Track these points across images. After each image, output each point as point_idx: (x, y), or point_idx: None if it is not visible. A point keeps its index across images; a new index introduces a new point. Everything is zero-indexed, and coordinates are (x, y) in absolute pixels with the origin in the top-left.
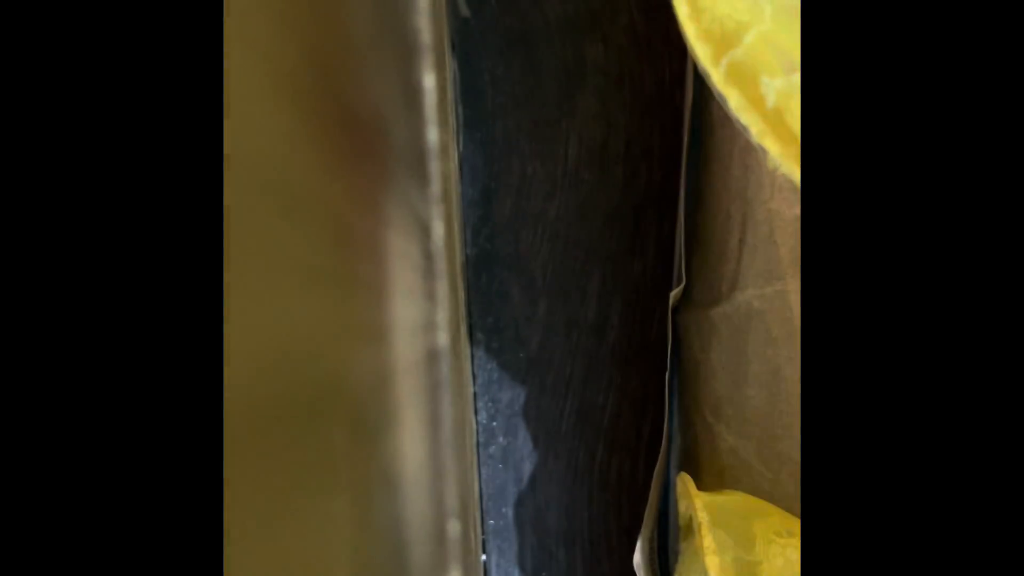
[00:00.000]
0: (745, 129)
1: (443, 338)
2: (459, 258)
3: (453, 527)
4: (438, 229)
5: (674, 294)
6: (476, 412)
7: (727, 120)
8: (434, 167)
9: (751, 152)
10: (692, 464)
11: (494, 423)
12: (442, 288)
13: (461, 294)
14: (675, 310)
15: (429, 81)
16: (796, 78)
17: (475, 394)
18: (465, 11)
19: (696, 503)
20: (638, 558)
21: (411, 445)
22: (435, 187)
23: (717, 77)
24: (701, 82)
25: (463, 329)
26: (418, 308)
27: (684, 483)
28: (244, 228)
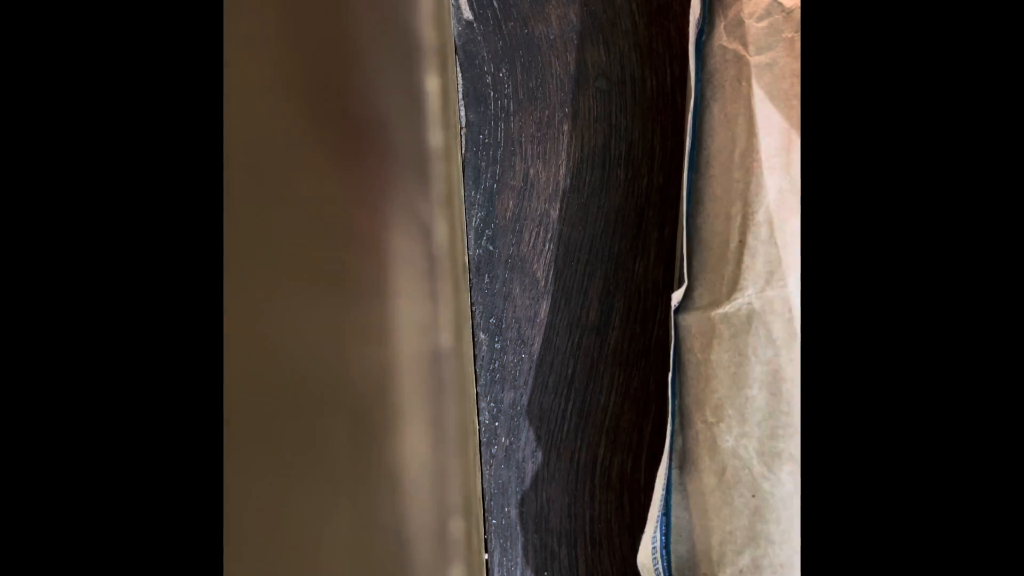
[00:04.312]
0: None
1: (446, 339)
2: (461, 259)
3: (456, 526)
4: (441, 230)
5: (675, 295)
6: (479, 412)
7: (728, 123)
8: (437, 169)
9: (751, 154)
10: (693, 464)
11: (496, 423)
12: (444, 289)
13: (463, 295)
14: (676, 311)
15: (432, 84)
16: None
17: (477, 394)
18: (468, 14)
19: None
20: (641, 557)
21: (414, 445)
22: (438, 189)
23: None
24: (702, 85)
25: (465, 330)
26: (421, 309)
27: None
28: (245, 230)
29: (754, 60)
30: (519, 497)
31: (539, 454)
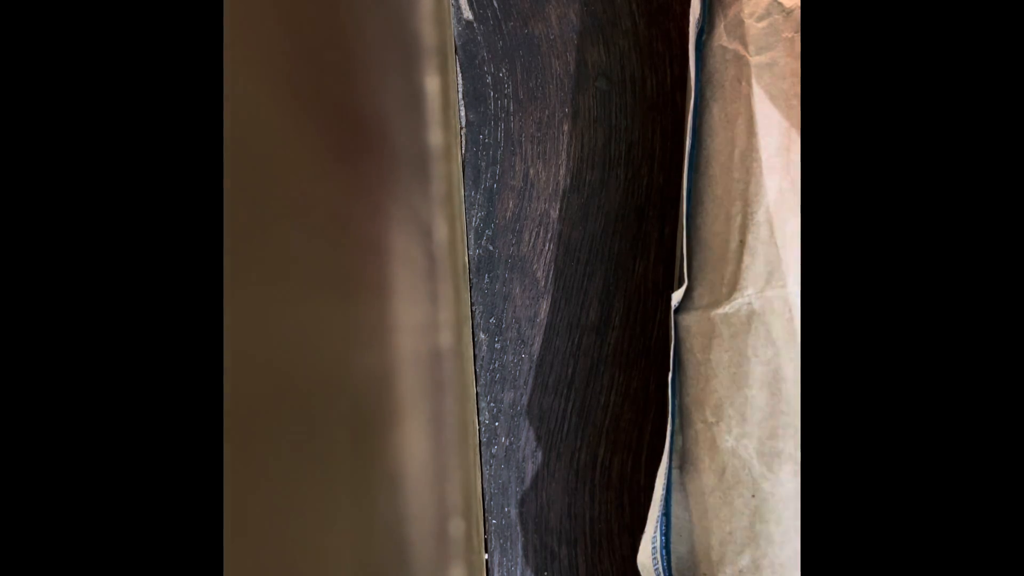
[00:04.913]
0: None
1: (446, 339)
2: (462, 259)
3: (456, 526)
4: (441, 230)
5: (675, 295)
6: (479, 412)
7: (728, 123)
8: (437, 169)
9: (751, 154)
10: (693, 464)
11: (496, 423)
12: (445, 289)
13: (464, 295)
14: (676, 311)
15: (432, 84)
16: None
17: (478, 394)
18: (468, 14)
19: None
20: (642, 557)
21: (414, 445)
22: (438, 189)
23: None
24: (702, 85)
25: (466, 330)
26: (421, 309)
27: None
28: (245, 230)
29: (754, 60)
30: (519, 497)
31: (539, 454)
